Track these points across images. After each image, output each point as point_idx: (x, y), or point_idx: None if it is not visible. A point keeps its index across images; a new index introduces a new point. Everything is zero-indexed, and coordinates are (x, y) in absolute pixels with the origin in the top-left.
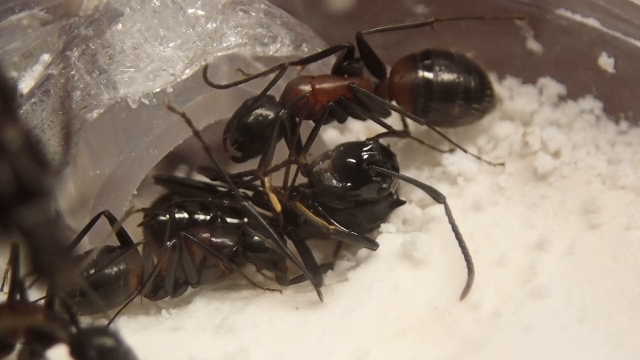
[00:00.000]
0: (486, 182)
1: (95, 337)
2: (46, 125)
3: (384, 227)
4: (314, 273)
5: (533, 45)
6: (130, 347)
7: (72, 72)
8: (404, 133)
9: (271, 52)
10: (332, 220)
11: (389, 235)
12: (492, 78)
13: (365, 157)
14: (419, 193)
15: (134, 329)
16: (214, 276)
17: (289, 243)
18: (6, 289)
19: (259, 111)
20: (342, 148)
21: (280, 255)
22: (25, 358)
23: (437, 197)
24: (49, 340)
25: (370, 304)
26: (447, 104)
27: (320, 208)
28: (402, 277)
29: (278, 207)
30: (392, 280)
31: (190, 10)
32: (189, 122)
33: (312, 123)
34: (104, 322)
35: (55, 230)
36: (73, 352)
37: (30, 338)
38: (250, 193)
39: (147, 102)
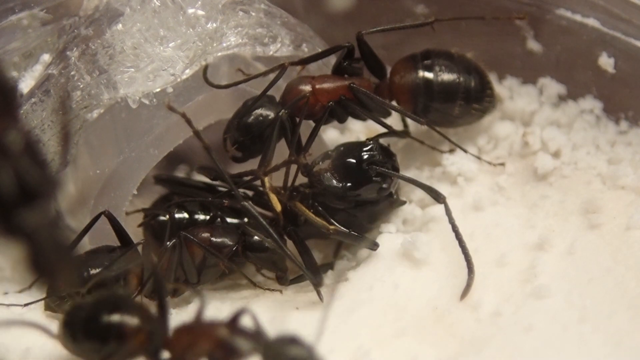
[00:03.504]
0: (486, 182)
1: (288, 347)
2: (46, 125)
3: (384, 227)
4: (314, 273)
5: (533, 45)
6: (322, 357)
7: (72, 72)
8: (404, 133)
9: (271, 52)
10: (332, 220)
11: (389, 235)
12: (492, 78)
13: (365, 157)
14: (419, 193)
15: None
16: (214, 276)
17: (289, 243)
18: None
19: (259, 111)
20: (342, 148)
21: (280, 255)
22: None
23: (437, 197)
24: (236, 355)
25: (370, 304)
26: (447, 104)
27: (320, 208)
28: (402, 277)
29: (278, 207)
30: (392, 280)
31: (191, 10)
32: (189, 122)
33: (312, 123)
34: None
35: (56, 231)
36: None
37: (216, 356)
38: (250, 193)
39: (147, 102)
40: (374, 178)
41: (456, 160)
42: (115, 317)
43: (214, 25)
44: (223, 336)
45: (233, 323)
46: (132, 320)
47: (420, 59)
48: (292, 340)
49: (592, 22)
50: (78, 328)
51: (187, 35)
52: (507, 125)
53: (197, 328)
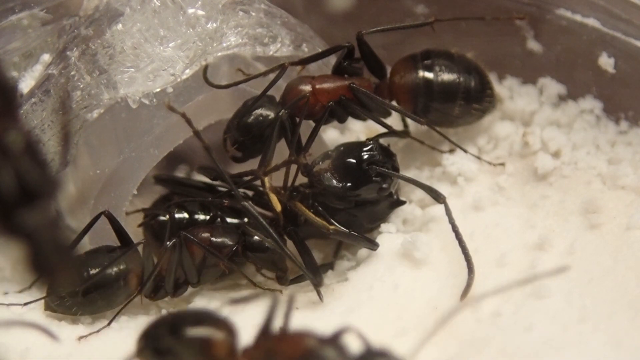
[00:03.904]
0: (486, 182)
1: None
2: (46, 125)
3: (384, 227)
4: (314, 273)
5: (533, 45)
6: None
7: (72, 72)
8: (404, 133)
9: (271, 52)
10: (332, 220)
11: (389, 235)
12: (492, 78)
13: (365, 157)
14: (419, 193)
15: (134, 329)
16: (214, 276)
17: (289, 243)
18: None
19: (259, 111)
20: (342, 148)
21: (280, 255)
22: None
23: (437, 197)
24: None
25: (370, 304)
26: (447, 104)
27: (320, 208)
28: (402, 277)
29: (278, 207)
30: (392, 280)
31: (191, 10)
32: (189, 122)
33: (312, 123)
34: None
35: (56, 231)
36: None
37: None
38: (250, 193)
39: (147, 102)
40: (374, 178)
41: (456, 160)
42: (201, 331)
43: (214, 25)
44: (311, 347)
45: (335, 339)
46: (217, 334)
47: (420, 59)
48: (382, 354)
49: (592, 22)
50: (162, 342)
51: (187, 35)
52: (507, 125)
53: (282, 338)
